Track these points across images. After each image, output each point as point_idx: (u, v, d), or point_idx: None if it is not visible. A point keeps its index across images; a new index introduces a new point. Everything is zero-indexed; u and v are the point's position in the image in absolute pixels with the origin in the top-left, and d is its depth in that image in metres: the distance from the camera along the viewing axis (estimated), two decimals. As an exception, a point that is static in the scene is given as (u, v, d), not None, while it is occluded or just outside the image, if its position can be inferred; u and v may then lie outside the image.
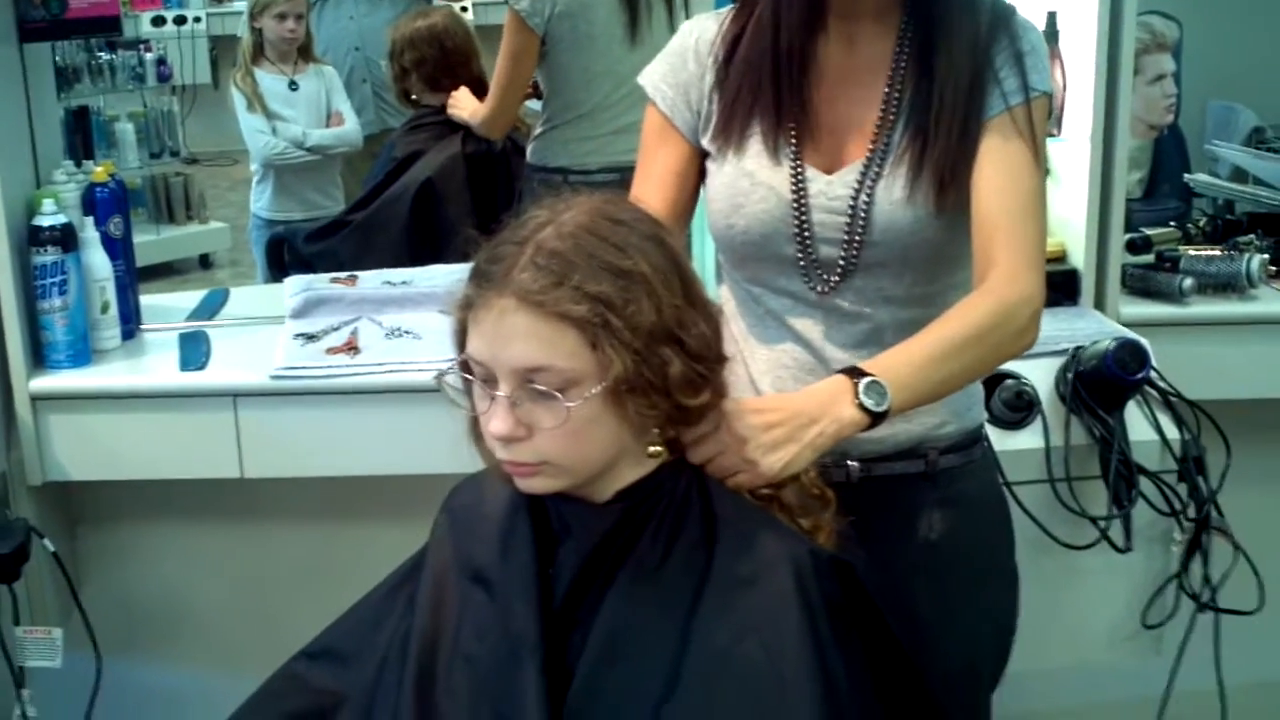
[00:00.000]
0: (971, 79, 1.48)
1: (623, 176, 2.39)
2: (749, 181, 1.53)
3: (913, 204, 1.48)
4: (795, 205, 1.51)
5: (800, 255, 1.52)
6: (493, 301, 1.21)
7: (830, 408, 1.32)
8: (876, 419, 1.33)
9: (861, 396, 1.32)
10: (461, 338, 1.27)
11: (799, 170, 1.52)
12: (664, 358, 1.21)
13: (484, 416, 1.24)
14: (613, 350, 1.19)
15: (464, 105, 3.19)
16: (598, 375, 1.20)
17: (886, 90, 1.52)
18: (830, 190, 1.51)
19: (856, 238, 1.50)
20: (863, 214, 1.49)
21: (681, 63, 1.59)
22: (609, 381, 1.19)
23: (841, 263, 1.51)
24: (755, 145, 1.54)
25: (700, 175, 1.60)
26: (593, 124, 3.02)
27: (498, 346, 1.21)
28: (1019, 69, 1.49)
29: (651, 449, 1.26)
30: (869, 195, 1.49)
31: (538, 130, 3.12)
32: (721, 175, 1.56)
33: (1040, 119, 1.51)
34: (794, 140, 1.52)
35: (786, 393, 1.48)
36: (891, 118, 1.51)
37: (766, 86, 1.52)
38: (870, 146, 1.51)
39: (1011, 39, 1.50)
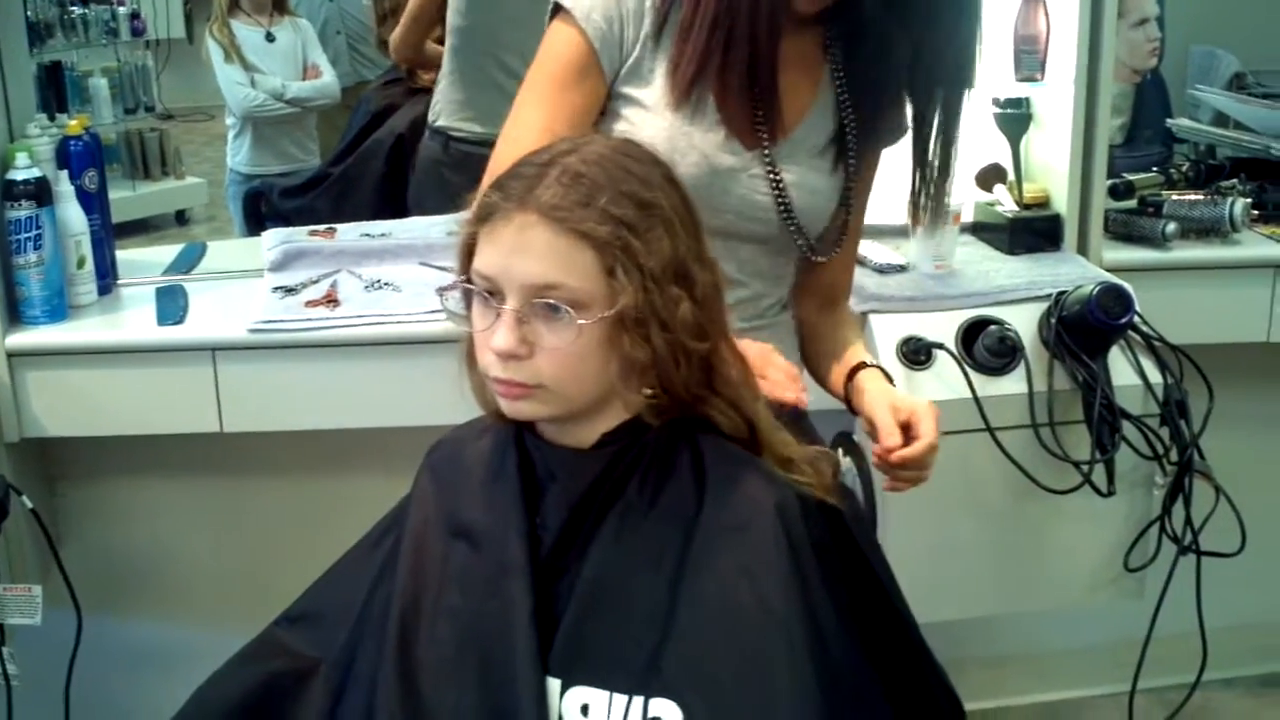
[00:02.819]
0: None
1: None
2: (686, 142, 1.54)
3: (826, 190, 1.63)
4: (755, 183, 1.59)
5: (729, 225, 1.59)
6: (513, 215, 1.20)
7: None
8: None
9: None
10: (467, 255, 1.25)
11: (768, 153, 1.58)
12: (674, 296, 1.21)
13: (483, 334, 1.22)
14: (626, 278, 1.18)
15: None
16: (605, 302, 1.19)
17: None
18: (757, 167, 1.58)
19: (783, 215, 1.60)
20: (786, 193, 1.60)
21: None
22: (617, 309, 1.19)
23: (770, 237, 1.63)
24: (706, 112, 1.55)
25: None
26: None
27: (513, 260, 1.19)
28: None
29: (646, 391, 1.24)
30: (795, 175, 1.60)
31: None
32: (651, 127, 1.55)
33: None
34: (761, 123, 1.56)
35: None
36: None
37: (740, 60, 1.52)
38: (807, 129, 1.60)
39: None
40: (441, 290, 1.28)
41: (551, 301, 1.18)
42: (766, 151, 1.58)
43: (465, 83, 2.89)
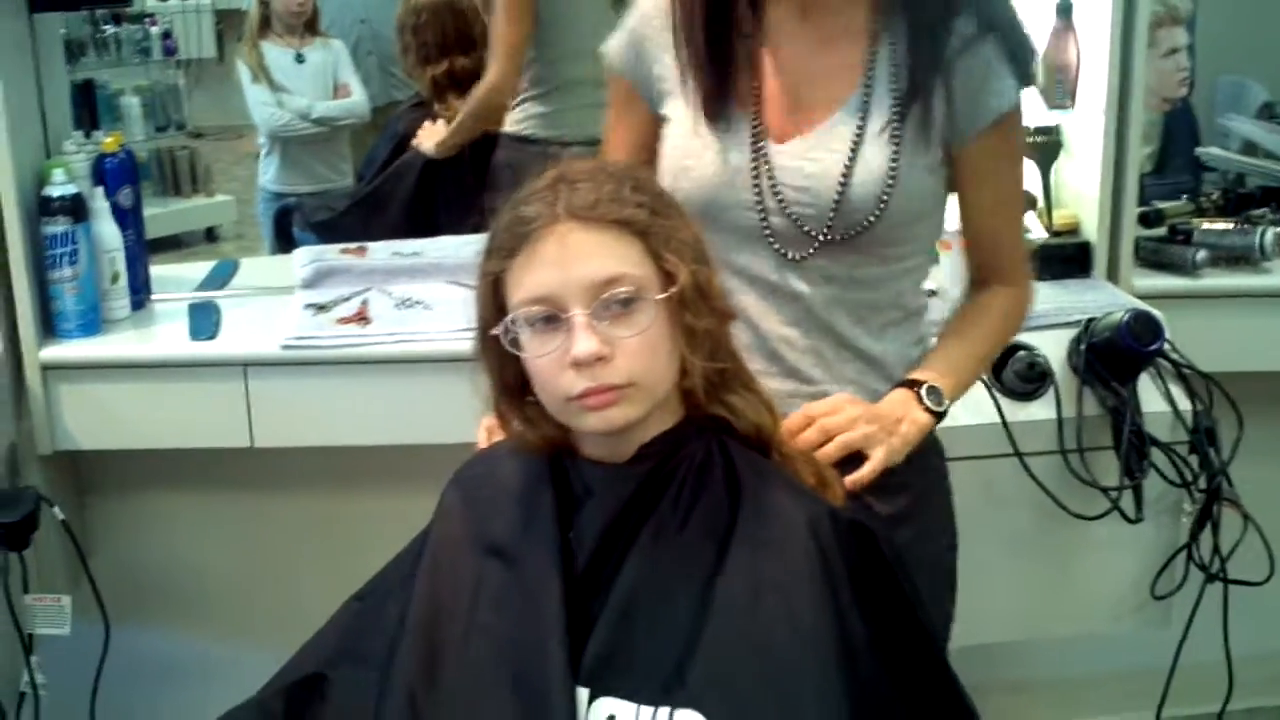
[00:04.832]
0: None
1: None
2: (700, 143, 1.49)
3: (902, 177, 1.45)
4: (753, 172, 1.47)
5: (752, 225, 1.48)
6: (547, 232, 1.21)
7: (908, 411, 1.47)
8: (940, 417, 1.49)
9: (926, 401, 1.48)
10: (493, 295, 1.26)
11: (758, 136, 1.47)
12: (706, 273, 1.26)
13: (551, 359, 1.21)
14: (678, 256, 1.23)
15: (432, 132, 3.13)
16: (662, 283, 1.22)
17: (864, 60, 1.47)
18: (792, 159, 1.46)
19: (830, 210, 1.45)
20: (840, 186, 1.45)
21: (641, 28, 1.55)
22: (679, 285, 1.22)
23: (807, 234, 1.47)
24: (699, 106, 1.50)
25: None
26: (574, 97, 2.97)
27: (569, 269, 1.20)
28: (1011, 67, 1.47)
29: (686, 383, 1.26)
30: (847, 168, 1.44)
31: (516, 100, 3.04)
32: (672, 138, 1.53)
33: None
34: (754, 108, 1.48)
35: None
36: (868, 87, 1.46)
37: (699, 44, 1.48)
38: (848, 115, 1.46)
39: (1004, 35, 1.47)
40: (493, 336, 1.26)
41: (622, 295, 1.20)
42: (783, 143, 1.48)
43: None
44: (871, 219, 1.44)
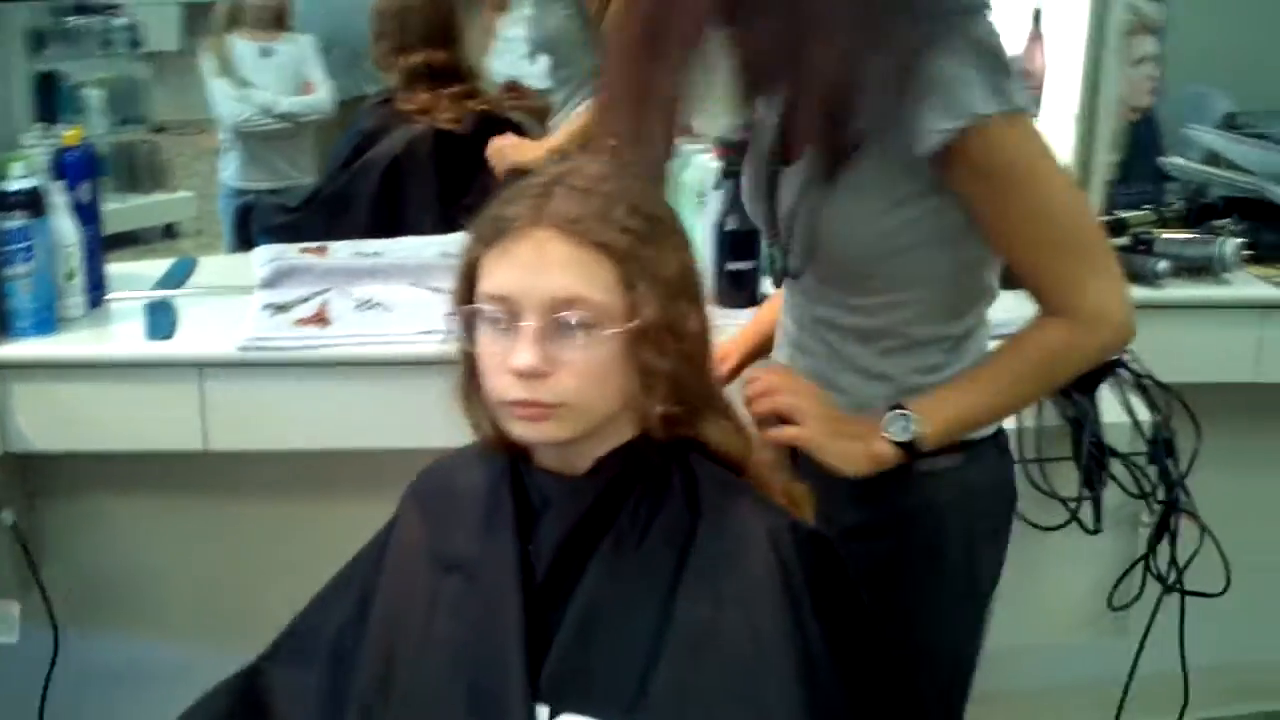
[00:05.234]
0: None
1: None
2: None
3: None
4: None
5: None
6: (527, 232, 1.19)
7: (872, 432, 1.44)
8: (906, 449, 1.43)
9: (887, 429, 1.43)
10: (468, 280, 1.24)
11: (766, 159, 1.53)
12: (684, 311, 1.22)
13: (496, 358, 1.21)
14: (649, 290, 1.19)
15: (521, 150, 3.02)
16: (625, 315, 1.19)
17: None
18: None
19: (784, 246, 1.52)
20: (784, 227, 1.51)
21: None
22: (639, 321, 1.19)
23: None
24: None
25: None
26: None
27: (534, 276, 1.19)
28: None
29: (659, 409, 1.24)
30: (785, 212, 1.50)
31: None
32: None
33: None
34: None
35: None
36: None
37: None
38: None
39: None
40: (449, 315, 1.27)
41: (574, 317, 1.18)
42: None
43: None
44: (804, 259, 1.49)
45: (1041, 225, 1.40)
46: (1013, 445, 2.02)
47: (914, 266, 1.45)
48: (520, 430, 1.23)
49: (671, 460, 1.27)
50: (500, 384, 1.21)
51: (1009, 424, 2.02)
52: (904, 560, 1.54)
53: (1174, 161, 2.90)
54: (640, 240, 1.20)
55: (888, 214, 1.42)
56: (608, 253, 1.19)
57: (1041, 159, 1.39)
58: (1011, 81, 1.35)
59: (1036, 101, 2.35)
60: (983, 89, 1.32)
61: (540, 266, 1.19)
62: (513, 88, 3.17)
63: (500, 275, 1.21)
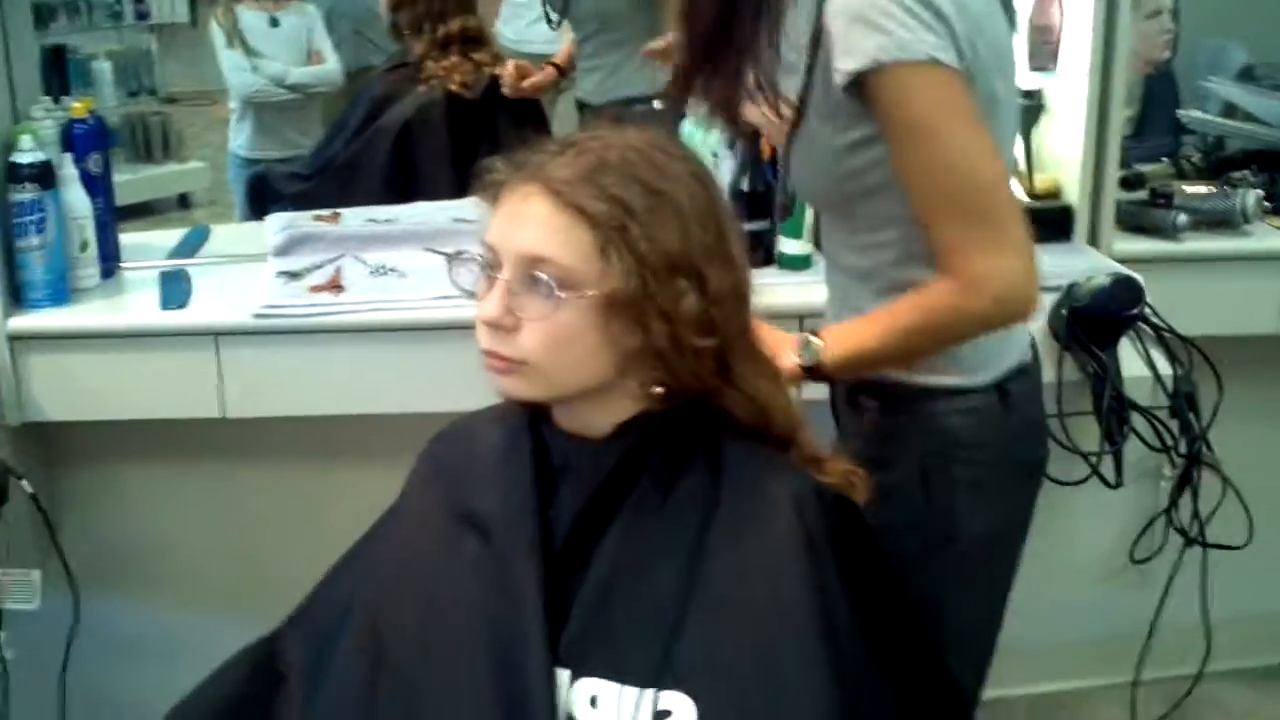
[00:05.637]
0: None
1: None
2: None
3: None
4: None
5: None
6: (518, 186, 1.21)
7: (787, 348, 1.51)
8: (808, 372, 1.51)
9: (796, 349, 1.51)
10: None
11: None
12: (679, 289, 1.19)
13: (479, 305, 1.22)
14: (620, 261, 1.17)
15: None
16: (596, 283, 1.17)
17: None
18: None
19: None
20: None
21: None
22: (604, 291, 1.17)
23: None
24: None
25: None
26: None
27: (511, 229, 1.20)
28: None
29: (654, 389, 1.23)
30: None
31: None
32: None
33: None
34: None
35: None
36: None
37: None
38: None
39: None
40: (452, 256, 1.27)
41: (536, 274, 1.17)
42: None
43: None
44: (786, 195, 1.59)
45: (937, 181, 1.39)
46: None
47: (885, 207, 1.47)
48: (493, 381, 1.24)
49: (696, 427, 1.26)
50: (479, 331, 1.22)
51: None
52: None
53: (1192, 114, 2.87)
54: (626, 210, 1.17)
55: (850, 154, 1.45)
56: (585, 218, 1.17)
57: (948, 116, 1.37)
58: (928, 32, 1.34)
59: (1053, 56, 2.32)
60: (891, 37, 1.33)
61: (518, 221, 1.19)
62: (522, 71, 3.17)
63: (494, 225, 1.22)
